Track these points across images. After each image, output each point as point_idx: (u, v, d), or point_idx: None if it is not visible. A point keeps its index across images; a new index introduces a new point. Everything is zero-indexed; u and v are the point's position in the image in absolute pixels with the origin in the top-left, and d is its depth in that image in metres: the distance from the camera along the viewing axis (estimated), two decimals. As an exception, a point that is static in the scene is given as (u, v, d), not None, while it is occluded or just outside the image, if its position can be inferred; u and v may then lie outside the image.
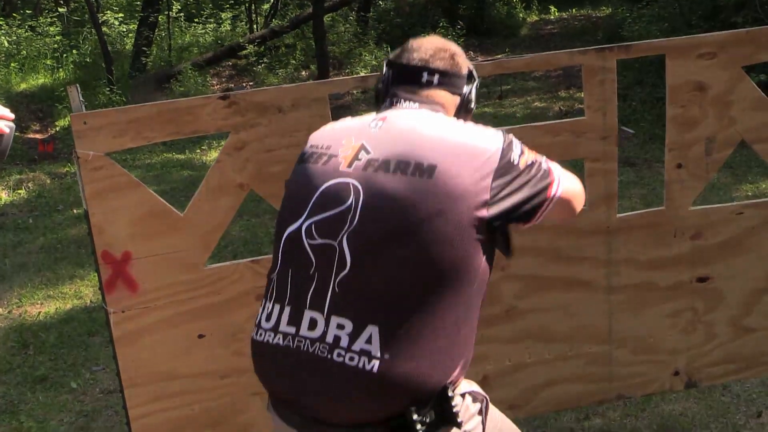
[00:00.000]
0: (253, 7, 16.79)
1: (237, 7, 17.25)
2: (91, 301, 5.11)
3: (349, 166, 1.83)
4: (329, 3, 14.76)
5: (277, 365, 1.81)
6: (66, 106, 2.33)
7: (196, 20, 16.83)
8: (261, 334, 1.85)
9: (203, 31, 16.26)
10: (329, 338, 1.73)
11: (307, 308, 1.77)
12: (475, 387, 1.88)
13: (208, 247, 2.58)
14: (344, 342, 1.71)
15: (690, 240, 2.78)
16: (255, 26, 16.29)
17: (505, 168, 1.78)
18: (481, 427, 1.86)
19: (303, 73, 13.65)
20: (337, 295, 1.74)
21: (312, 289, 1.78)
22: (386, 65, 2.04)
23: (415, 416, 1.70)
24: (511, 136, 1.85)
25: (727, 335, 2.91)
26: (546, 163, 1.88)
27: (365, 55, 13.87)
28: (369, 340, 1.70)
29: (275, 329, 1.81)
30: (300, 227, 1.83)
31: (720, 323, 2.90)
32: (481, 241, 1.76)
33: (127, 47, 14.51)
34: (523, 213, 1.82)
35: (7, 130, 1.94)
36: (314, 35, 13.25)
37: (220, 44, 15.19)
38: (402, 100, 1.95)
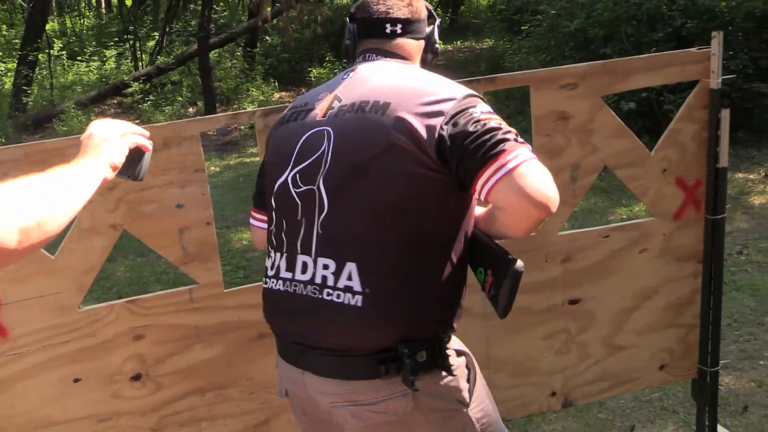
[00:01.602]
0: (137, 45, 16.60)
1: (121, 44, 17.04)
2: (-33, 350, 4.92)
3: (324, 115, 1.91)
4: (215, 39, 14.72)
5: (280, 308, 1.91)
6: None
7: (79, 58, 16.58)
8: (266, 282, 1.95)
9: (87, 69, 16.02)
10: (318, 279, 1.80)
11: (299, 253, 1.85)
12: (462, 346, 1.94)
13: (81, 289, 2.53)
14: (330, 281, 1.78)
15: (561, 264, 2.88)
16: (140, 63, 16.10)
17: (460, 115, 1.73)
18: (468, 381, 1.90)
19: (190, 109, 13.55)
20: (321, 236, 1.81)
21: (301, 235, 1.85)
22: (349, 20, 2.11)
23: (405, 350, 1.75)
24: (480, 96, 1.83)
25: (599, 354, 3.02)
26: (516, 136, 1.73)
27: (253, 91, 13.88)
28: (350, 277, 1.76)
29: (277, 276, 1.91)
30: (287, 178, 1.91)
31: (592, 343, 3.00)
32: (442, 183, 1.75)
33: (6, 86, 14.14)
34: (468, 167, 1.70)
35: (150, 148, 1.99)
36: (200, 71, 13.19)
37: (104, 82, 14.97)
38: (374, 54, 2.03)
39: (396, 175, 1.75)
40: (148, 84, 14.30)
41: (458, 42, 17.81)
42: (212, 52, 14.56)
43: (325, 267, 1.79)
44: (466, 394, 1.88)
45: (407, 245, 1.78)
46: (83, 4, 22.87)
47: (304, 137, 1.91)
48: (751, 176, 7.26)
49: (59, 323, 2.49)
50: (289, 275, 1.87)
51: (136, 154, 1.93)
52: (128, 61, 16.57)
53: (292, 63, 15.63)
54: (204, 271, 2.58)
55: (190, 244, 2.55)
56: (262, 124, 2.56)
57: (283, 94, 14.51)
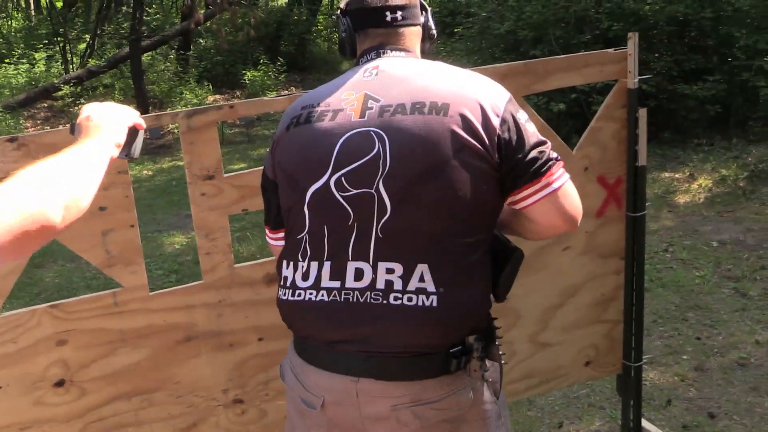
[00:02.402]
0: (68, 47, 16.33)
1: (51, 47, 16.74)
2: None
3: (362, 116, 1.82)
4: (147, 42, 14.55)
5: (325, 319, 1.80)
6: None
7: (6, 60, 16.24)
8: (300, 294, 1.84)
9: (15, 71, 15.69)
10: (380, 284, 1.75)
11: (351, 260, 1.78)
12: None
13: (1, 295, 2.49)
14: (398, 285, 1.74)
15: (487, 262, 2.91)
16: (71, 66, 15.83)
17: (510, 122, 1.78)
18: (500, 373, 1.91)
19: (123, 112, 13.35)
20: (381, 240, 1.75)
21: (353, 241, 1.78)
22: (341, 14, 2.05)
23: (474, 343, 1.78)
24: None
25: (526, 352, 3.06)
26: (555, 153, 1.85)
27: (186, 93, 13.74)
28: (422, 279, 1.73)
29: (316, 287, 1.81)
30: (327, 183, 1.81)
31: (519, 341, 3.04)
32: (497, 182, 1.79)
33: (-71, 90, 13.80)
34: (516, 180, 1.79)
35: (145, 126, 1.96)
36: (132, 74, 13.04)
37: (33, 85, 14.69)
38: (387, 50, 1.97)
39: (471, 175, 1.75)
40: (80, 87, 14.08)
41: (393, 45, 17.86)
42: (145, 54, 14.39)
43: (389, 271, 1.75)
44: (498, 386, 1.90)
45: (476, 241, 1.79)
46: (10, 5, 22.39)
47: (342, 139, 1.82)
48: (677, 175, 7.43)
49: (-23, 330, 2.44)
50: (336, 284, 1.79)
51: (132, 134, 1.91)
52: (58, 63, 16.28)
53: (226, 66, 15.52)
54: (129, 274, 2.55)
55: (114, 246, 2.52)
56: (185, 126, 2.55)
57: (217, 96, 14.40)
